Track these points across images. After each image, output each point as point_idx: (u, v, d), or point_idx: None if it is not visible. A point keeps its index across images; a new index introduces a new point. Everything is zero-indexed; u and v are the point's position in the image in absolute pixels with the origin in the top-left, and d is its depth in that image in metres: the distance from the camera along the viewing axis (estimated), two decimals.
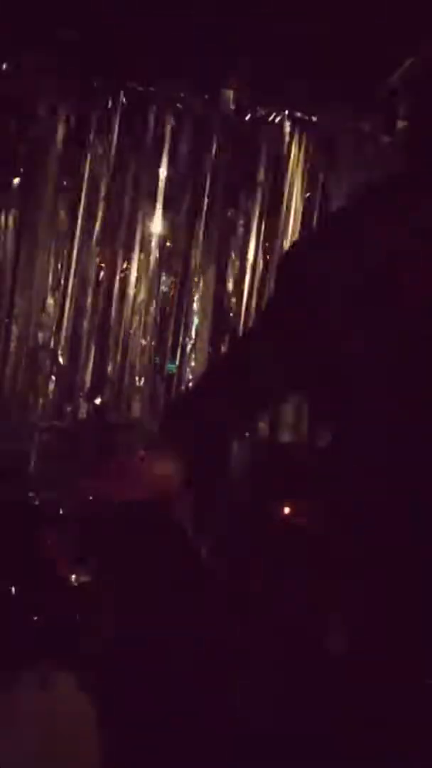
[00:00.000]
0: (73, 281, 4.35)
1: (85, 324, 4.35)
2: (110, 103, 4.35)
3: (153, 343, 4.41)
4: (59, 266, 4.33)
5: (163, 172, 4.41)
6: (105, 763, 2.76)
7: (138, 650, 3.00)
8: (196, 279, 4.44)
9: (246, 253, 4.47)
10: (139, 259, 4.39)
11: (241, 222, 4.47)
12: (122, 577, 3.06)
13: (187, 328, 4.43)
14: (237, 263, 4.47)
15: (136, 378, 4.39)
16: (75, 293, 4.35)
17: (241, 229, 4.47)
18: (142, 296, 4.39)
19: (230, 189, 4.45)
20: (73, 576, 3.15)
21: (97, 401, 4.00)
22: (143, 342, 4.39)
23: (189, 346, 4.43)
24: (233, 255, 4.46)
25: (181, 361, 4.43)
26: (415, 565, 1.67)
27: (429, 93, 1.80)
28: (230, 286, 4.46)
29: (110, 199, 4.38)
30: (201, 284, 4.44)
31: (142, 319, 4.39)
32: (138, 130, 4.38)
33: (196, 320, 4.44)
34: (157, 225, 4.41)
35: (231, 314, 4.46)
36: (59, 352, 4.33)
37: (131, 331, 4.37)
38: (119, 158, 4.37)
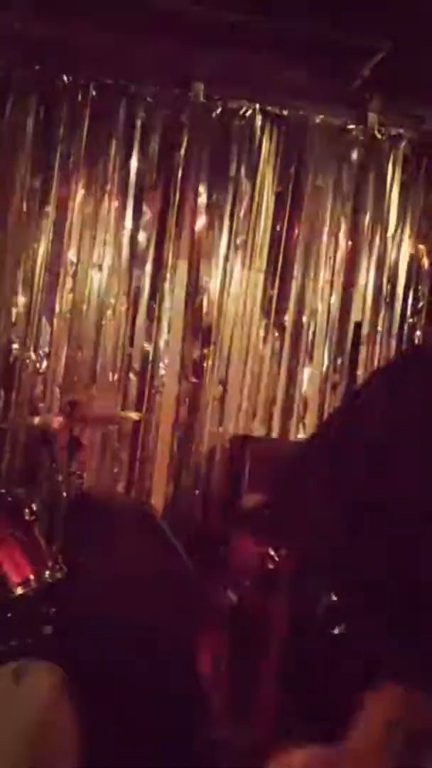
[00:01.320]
0: (44, 277, 4.33)
1: (56, 320, 4.33)
2: (80, 97, 4.32)
3: (125, 338, 4.39)
4: (29, 263, 4.31)
5: (133, 165, 4.39)
6: (82, 757, 2.75)
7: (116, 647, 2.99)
8: (167, 274, 4.42)
9: (218, 247, 4.46)
10: (111, 255, 4.37)
11: (213, 216, 4.45)
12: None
13: (160, 323, 4.42)
14: (209, 258, 4.46)
15: (109, 374, 4.37)
16: (45, 289, 4.33)
17: (212, 224, 4.46)
18: (113, 291, 4.37)
19: (201, 183, 4.44)
20: (47, 572, 3.13)
21: (70, 397, 3.97)
22: (115, 338, 4.37)
23: (161, 342, 4.42)
24: (205, 250, 4.45)
25: (153, 357, 4.41)
26: None
27: None
28: (202, 281, 4.45)
29: (81, 193, 4.35)
30: (173, 279, 4.43)
31: (114, 314, 4.37)
32: (108, 123, 4.35)
33: (168, 315, 4.43)
34: (128, 219, 4.39)
35: (203, 310, 4.46)
36: (30, 349, 4.30)
37: (103, 327, 4.35)
38: (89, 152, 4.35)
